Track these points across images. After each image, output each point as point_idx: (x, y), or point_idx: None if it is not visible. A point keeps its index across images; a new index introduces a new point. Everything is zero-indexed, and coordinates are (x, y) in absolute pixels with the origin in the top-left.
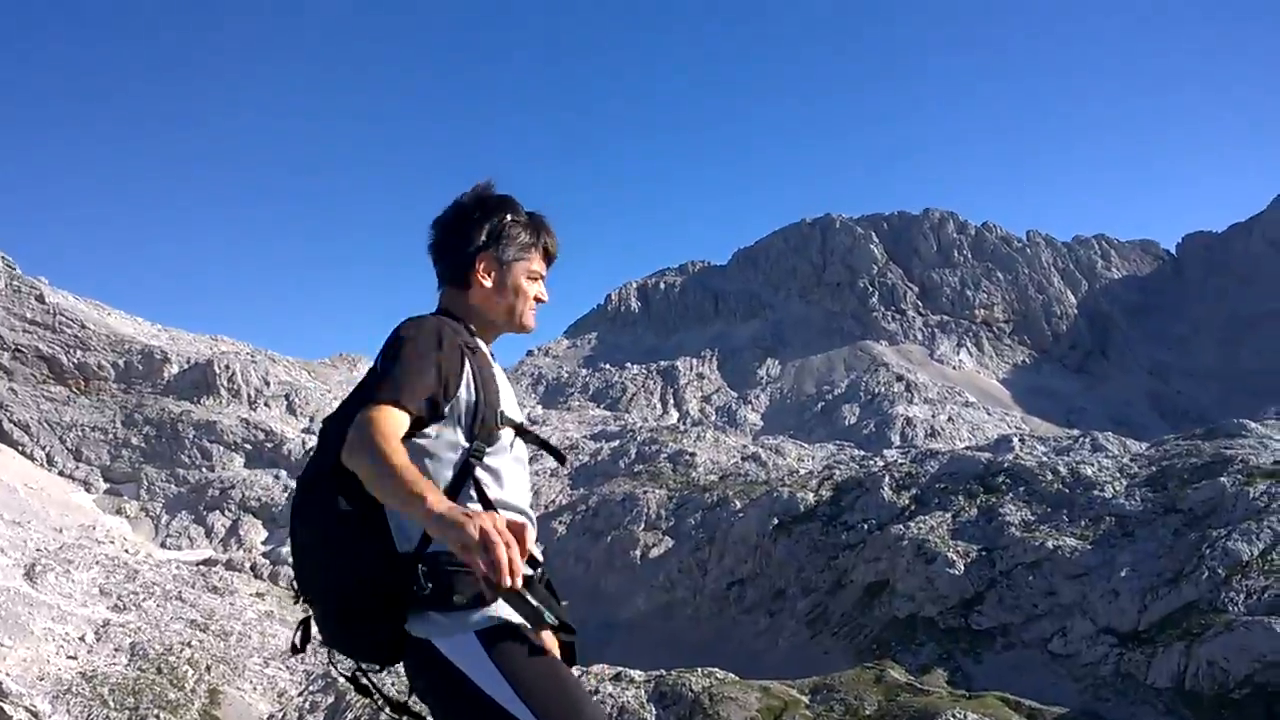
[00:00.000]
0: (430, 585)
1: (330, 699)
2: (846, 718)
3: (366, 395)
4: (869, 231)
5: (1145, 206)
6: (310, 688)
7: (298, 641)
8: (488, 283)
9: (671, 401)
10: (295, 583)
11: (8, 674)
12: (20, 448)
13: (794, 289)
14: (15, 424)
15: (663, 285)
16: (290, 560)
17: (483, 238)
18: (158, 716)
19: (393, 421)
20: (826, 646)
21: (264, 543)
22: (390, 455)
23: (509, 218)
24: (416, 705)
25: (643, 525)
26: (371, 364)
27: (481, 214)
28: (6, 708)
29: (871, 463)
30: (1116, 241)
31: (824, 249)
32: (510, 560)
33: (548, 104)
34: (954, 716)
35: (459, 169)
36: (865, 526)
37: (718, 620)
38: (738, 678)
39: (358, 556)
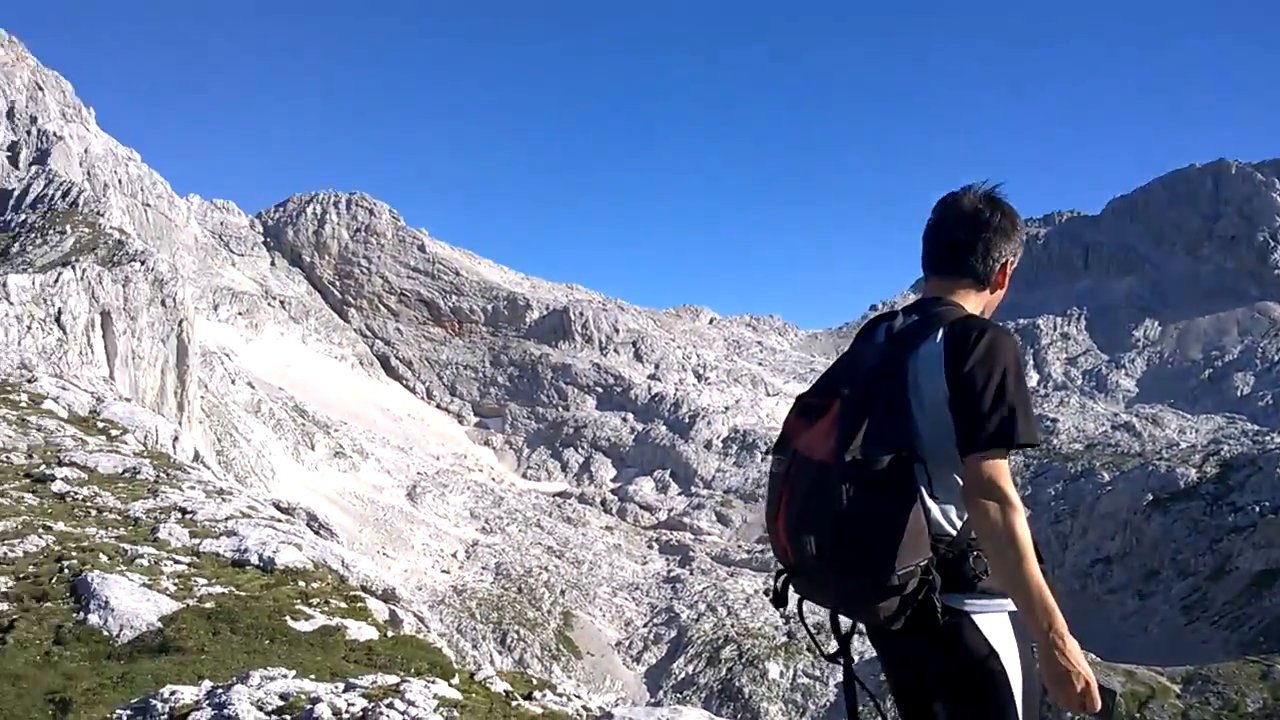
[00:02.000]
0: (982, 570)
1: (673, 632)
2: (1224, 713)
3: (985, 433)
4: (1271, 179)
5: None
6: (655, 620)
7: (778, 588)
8: (1003, 287)
9: (1031, 363)
10: (802, 552)
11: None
12: (404, 382)
13: (1178, 243)
14: (400, 360)
15: (1024, 236)
16: (771, 526)
17: (1016, 245)
18: (517, 632)
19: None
20: (1204, 635)
21: (613, 480)
22: (1030, 556)
23: (1024, 231)
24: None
25: None
26: (943, 344)
27: (1014, 222)
28: (398, 611)
29: (1268, 439)
30: None
31: (1216, 199)
32: (1091, 704)
33: (891, 47)
34: None
35: (803, 117)
36: (1257, 509)
37: (1079, 598)
38: (1099, 659)
39: (916, 538)
